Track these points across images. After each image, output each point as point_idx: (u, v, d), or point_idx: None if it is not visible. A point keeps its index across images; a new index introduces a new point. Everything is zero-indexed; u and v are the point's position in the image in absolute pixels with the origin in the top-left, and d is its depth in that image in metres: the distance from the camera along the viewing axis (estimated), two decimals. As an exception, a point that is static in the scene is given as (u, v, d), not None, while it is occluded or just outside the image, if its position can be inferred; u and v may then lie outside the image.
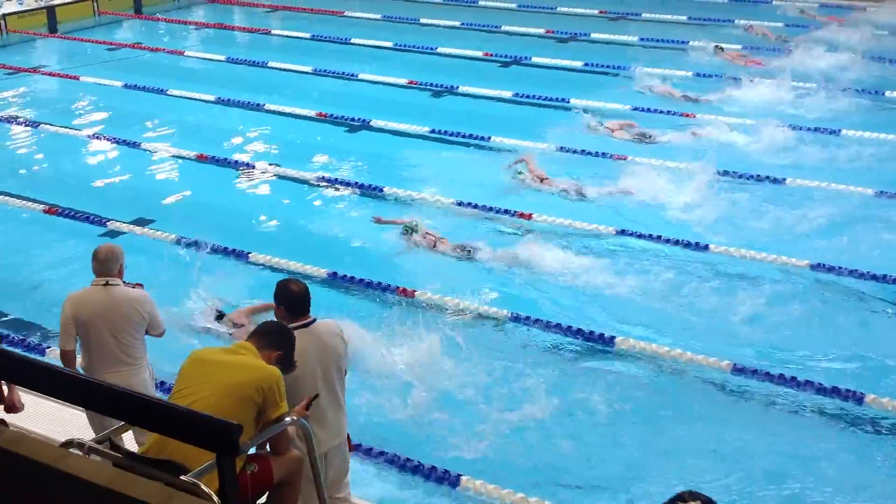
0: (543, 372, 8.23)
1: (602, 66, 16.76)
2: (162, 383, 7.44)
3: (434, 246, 10.33)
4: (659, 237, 10.44)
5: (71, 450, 3.89)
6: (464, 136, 13.71)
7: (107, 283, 6.30)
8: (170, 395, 4.60)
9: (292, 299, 5.45)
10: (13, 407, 5.63)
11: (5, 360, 3.58)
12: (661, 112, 14.28)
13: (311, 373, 5.33)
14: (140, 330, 6.36)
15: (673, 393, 7.97)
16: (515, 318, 8.95)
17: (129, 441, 5.95)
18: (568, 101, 15.06)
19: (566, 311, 9.22)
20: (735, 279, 9.68)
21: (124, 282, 6.43)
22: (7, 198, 11.96)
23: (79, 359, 6.31)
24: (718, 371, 8.11)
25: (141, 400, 3.29)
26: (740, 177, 11.93)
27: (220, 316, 8.97)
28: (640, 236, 10.51)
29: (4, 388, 5.66)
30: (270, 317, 8.79)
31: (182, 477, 3.93)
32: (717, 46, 16.79)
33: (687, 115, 14.07)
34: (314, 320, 5.52)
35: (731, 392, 7.96)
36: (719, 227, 10.72)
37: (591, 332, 8.68)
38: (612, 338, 8.59)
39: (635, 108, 14.52)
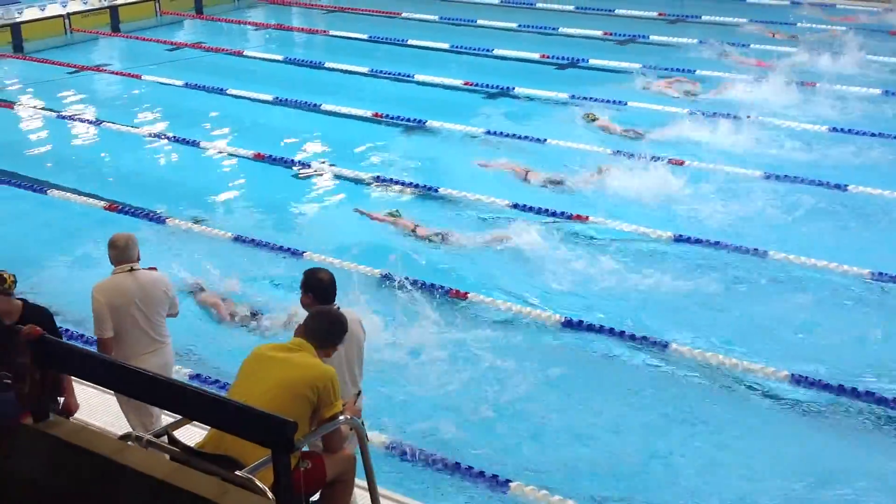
0: (593, 377, 8.19)
1: (661, 68, 16.59)
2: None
3: (413, 231, 10.94)
4: (717, 242, 10.33)
5: (129, 443, 3.95)
6: (519, 138, 13.67)
7: (131, 269, 6.52)
8: (228, 391, 4.65)
9: (321, 288, 5.64)
10: (69, 411, 5.76)
11: (68, 354, 3.64)
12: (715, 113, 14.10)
13: (338, 357, 5.47)
14: (166, 309, 6.63)
15: (729, 403, 7.86)
16: (568, 324, 8.89)
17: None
18: (625, 104, 14.94)
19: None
20: (792, 286, 9.54)
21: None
22: (69, 194, 12.20)
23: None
24: (776, 381, 7.98)
25: (200, 395, 3.33)
26: (801, 181, 11.77)
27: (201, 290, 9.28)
28: (696, 241, 10.40)
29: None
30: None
31: (237, 472, 3.96)
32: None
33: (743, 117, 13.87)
34: (338, 308, 5.67)
35: (789, 403, 7.82)
36: (776, 234, 10.59)
37: (646, 338, 8.60)
38: (667, 344, 8.50)
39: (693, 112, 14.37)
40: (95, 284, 6.51)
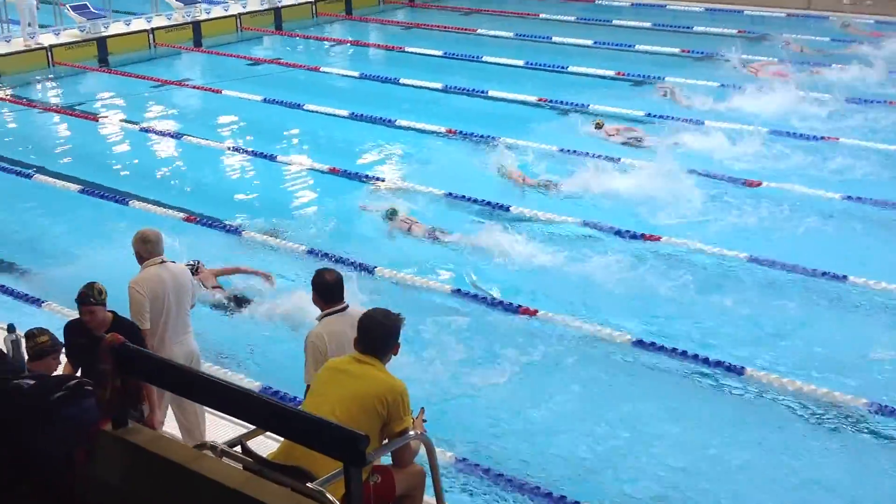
0: (662, 398, 8.09)
1: (738, 86, 16.37)
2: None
3: (409, 229, 11.37)
4: (786, 265, 10.15)
5: (205, 452, 4.02)
6: (594, 156, 13.59)
7: (162, 262, 6.83)
8: (302, 403, 4.71)
9: (323, 287, 6.01)
10: (152, 426, 5.90)
11: (149, 363, 3.73)
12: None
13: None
14: (191, 300, 6.93)
15: (809, 431, 7.68)
16: (638, 343, 8.80)
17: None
18: (703, 123, 14.76)
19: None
20: (872, 310, 9.30)
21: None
22: (150, 205, 12.48)
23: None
24: (856, 408, 7.78)
25: (274, 406, 3.37)
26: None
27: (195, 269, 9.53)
28: (766, 263, 10.23)
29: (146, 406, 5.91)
30: (237, 279, 9.90)
31: (308, 484, 4.00)
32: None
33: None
34: (347, 306, 6.06)
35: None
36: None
37: (720, 362, 8.46)
38: (743, 368, 8.34)
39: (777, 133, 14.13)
40: (133, 279, 6.73)
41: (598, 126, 14.54)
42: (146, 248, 6.80)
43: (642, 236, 10.98)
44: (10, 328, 4.41)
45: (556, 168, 13.23)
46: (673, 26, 21.76)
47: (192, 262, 9.91)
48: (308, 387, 5.53)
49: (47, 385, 3.95)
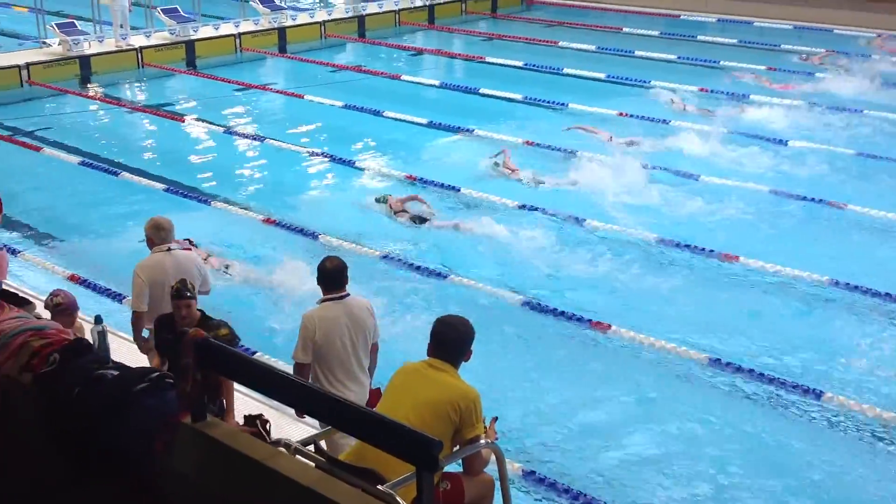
0: (734, 418, 7.94)
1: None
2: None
3: (397, 213, 12.22)
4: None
5: (280, 449, 4.06)
6: (674, 173, 13.46)
7: (169, 249, 7.18)
8: (378, 404, 4.75)
9: (323, 273, 6.26)
10: None
11: (230, 358, 3.79)
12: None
13: (342, 340, 6.13)
14: (198, 286, 7.04)
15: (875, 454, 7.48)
16: (714, 362, 8.65)
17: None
18: (785, 143, 14.50)
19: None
20: None
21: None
22: (229, 206, 12.72)
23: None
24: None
25: (350, 407, 3.40)
26: None
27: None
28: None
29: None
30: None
31: (379, 486, 4.02)
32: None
33: None
34: (347, 294, 6.29)
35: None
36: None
37: (797, 384, 8.28)
38: (821, 393, 8.15)
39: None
40: (138, 263, 7.17)
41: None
42: (159, 235, 7.19)
43: (720, 255, 10.81)
44: (98, 319, 4.56)
45: (638, 183, 13.13)
46: (759, 43, 21.41)
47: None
48: (296, 363, 6.17)
49: (130, 376, 4.03)
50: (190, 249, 7.58)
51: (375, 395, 6.33)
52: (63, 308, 6.69)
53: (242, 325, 7.25)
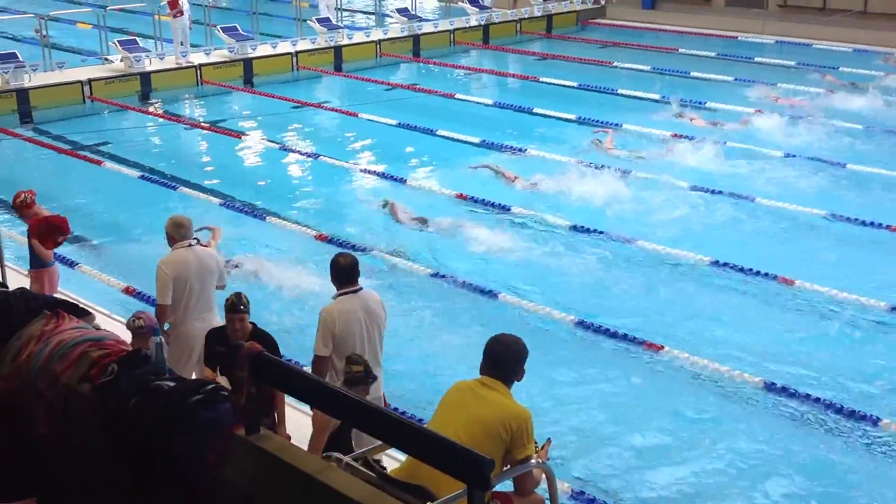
0: (789, 444, 7.81)
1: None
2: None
3: (398, 217, 12.85)
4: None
5: (330, 463, 4.08)
6: (729, 195, 13.33)
7: (190, 245, 7.52)
8: (429, 421, 4.75)
9: (336, 269, 6.55)
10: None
11: (284, 372, 3.82)
12: None
13: (360, 331, 6.43)
14: (216, 280, 7.57)
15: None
16: (769, 387, 8.53)
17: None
18: (844, 166, 14.29)
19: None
20: None
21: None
22: (284, 221, 12.85)
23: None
24: None
25: (403, 424, 3.41)
26: None
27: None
28: None
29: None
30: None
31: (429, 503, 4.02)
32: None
33: None
34: (360, 289, 6.60)
35: None
36: None
37: (854, 411, 8.12)
38: (878, 419, 7.99)
39: None
40: (161, 259, 7.51)
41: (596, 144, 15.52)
42: (179, 232, 7.54)
43: (776, 278, 10.67)
44: (155, 332, 4.64)
45: (689, 203, 13.03)
46: (817, 65, 21.15)
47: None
48: (316, 355, 6.46)
49: (186, 388, 4.09)
50: (207, 245, 8.00)
51: None
52: (145, 331, 6.63)
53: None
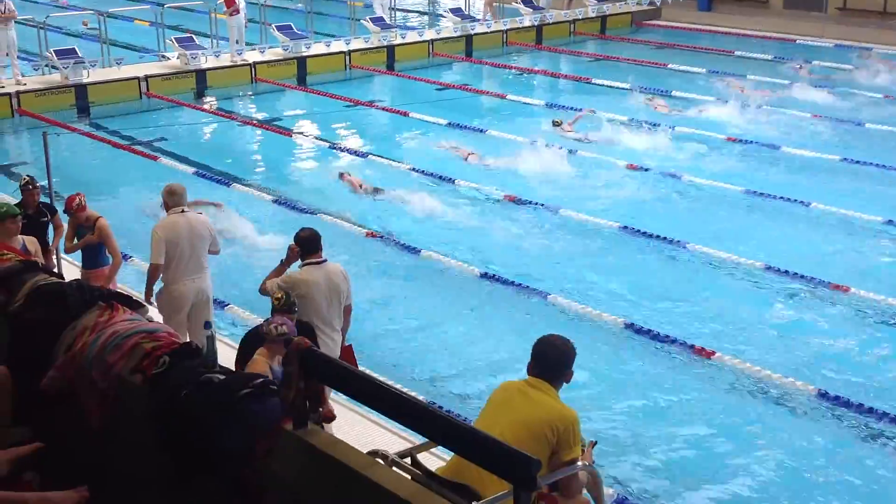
0: (841, 454, 7.67)
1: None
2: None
3: (358, 187, 14.14)
4: None
5: (376, 460, 4.09)
6: (784, 199, 13.16)
7: (183, 211, 8.12)
8: (475, 420, 4.74)
9: (302, 242, 7.20)
10: (329, 417, 6.12)
11: (332, 368, 3.84)
12: None
13: (321, 300, 7.05)
14: (208, 245, 8.21)
15: None
16: (822, 395, 8.39)
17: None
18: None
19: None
20: None
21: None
22: (336, 219, 12.91)
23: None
24: None
25: (450, 422, 3.40)
26: None
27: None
28: None
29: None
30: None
31: (474, 503, 4.01)
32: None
33: None
34: (325, 260, 7.24)
35: None
36: None
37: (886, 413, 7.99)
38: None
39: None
40: (156, 224, 8.16)
41: (556, 124, 16.55)
42: (173, 199, 8.15)
43: (829, 285, 10.50)
44: (207, 325, 4.68)
45: (737, 210, 12.86)
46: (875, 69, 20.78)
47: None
48: (263, 287, 7.26)
49: (236, 381, 4.13)
50: (202, 213, 8.60)
51: (348, 351, 7.33)
52: (289, 339, 6.50)
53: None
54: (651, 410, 8.37)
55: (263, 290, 7.38)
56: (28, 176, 9.53)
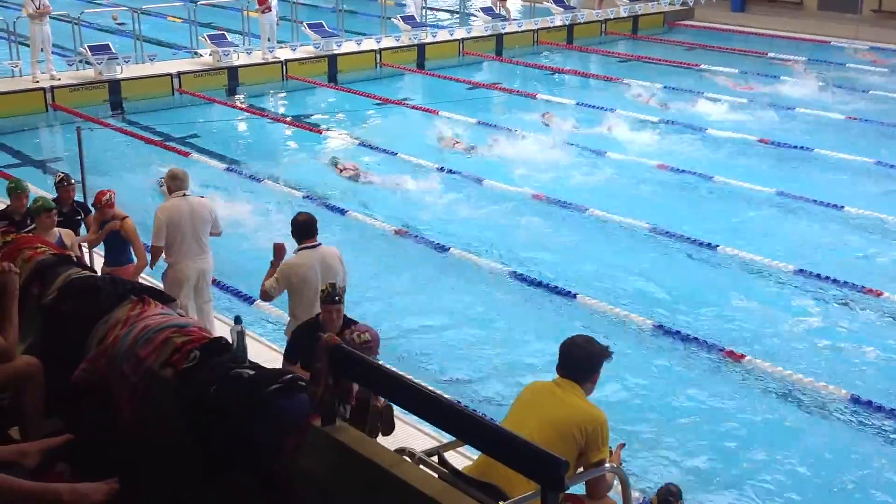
0: (874, 460, 7.58)
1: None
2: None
3: (341, 171, 14.83)
4: None
5: (403, 458, 4.10)
6: (816, 202, 13.05)
7: (184, 195, 8.42)
8: (503, 420, 4.74)
9: (297, 227, 7.35)
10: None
11: (360, 365, 3.85)
12: None
13: (315, 281, 7.13)
14: (210, 227, 8.51)
15: None
16: (855, 400, 8.30)
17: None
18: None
19: None
20: None
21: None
22: (365, 217, 12.90)
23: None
24: None
25: (479, 421, 3.40)
26: None
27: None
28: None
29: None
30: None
31: (501, 503, 4.01)
32: None
33: None
34: (320, 244, 7.37)
35: None
36: None
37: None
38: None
39: None
40: (160, 206, 8.49)
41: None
42: (175, 183, 8.47)
43: (863, 289, 10.39)
44: (237, 320, 4.69)
45: (771, 214, 12.74)
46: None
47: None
48: (263, 290, 7.41)
49: (265, 376, 4.15)
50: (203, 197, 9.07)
51: None
52: (370, 347, 6.12)
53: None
54: (680, 413, 8.33)
55: (264, 293, 7.49)
56: (63, 173, 9.59)
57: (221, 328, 8.31)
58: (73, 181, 9.41)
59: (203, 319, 8.45)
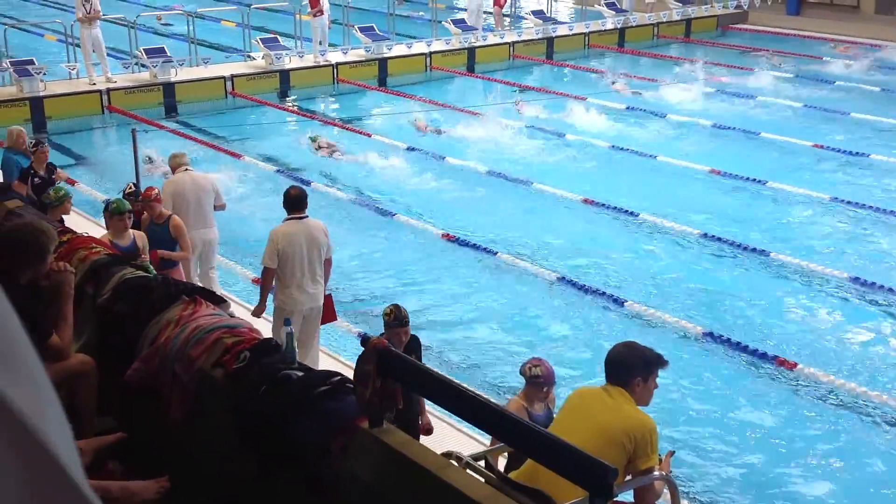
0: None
1: None
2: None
3: (318, 149, 16.01)
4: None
5: (450, 461, 4.09)
6: (874, 209, 12.83)
7: (186, 170, 9.50)
8: (551, 425, 4.71)
9: (288, 199, 7.84)
10: (428, 430, 6.28)
11: (408, 367, 3.85)
12: None
13: (300, 252, 7.67)
14: (212, 199, 9.49)
15: None
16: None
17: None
18: None
19: None
20: None
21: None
22: (412, 220, 12.95)
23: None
24: None
25: (527, 427, 3.39)
26: None
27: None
28: None
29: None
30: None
31: (548, 509, 3.98)
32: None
33: None
34: (307, 217, 7.86)
35: None
36: None
37: None
38: None
39: None
40: (166, 181, 9.68)
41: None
42: (175, 161, 9.70)
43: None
44: (286, 322, 4.74)
45: (824, 219, 12.53)
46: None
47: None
48: (264, 267, 7.80)
49: (313, 378, 4.17)
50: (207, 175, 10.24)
51: (328, 300, 8.00)
52: (541, 382, 5.90)
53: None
54: (730, 421, 8.22)
55: (264, 269, 7.86)
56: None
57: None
58: (46, 145, 10.71)
59: (209, 284, 9.14)
